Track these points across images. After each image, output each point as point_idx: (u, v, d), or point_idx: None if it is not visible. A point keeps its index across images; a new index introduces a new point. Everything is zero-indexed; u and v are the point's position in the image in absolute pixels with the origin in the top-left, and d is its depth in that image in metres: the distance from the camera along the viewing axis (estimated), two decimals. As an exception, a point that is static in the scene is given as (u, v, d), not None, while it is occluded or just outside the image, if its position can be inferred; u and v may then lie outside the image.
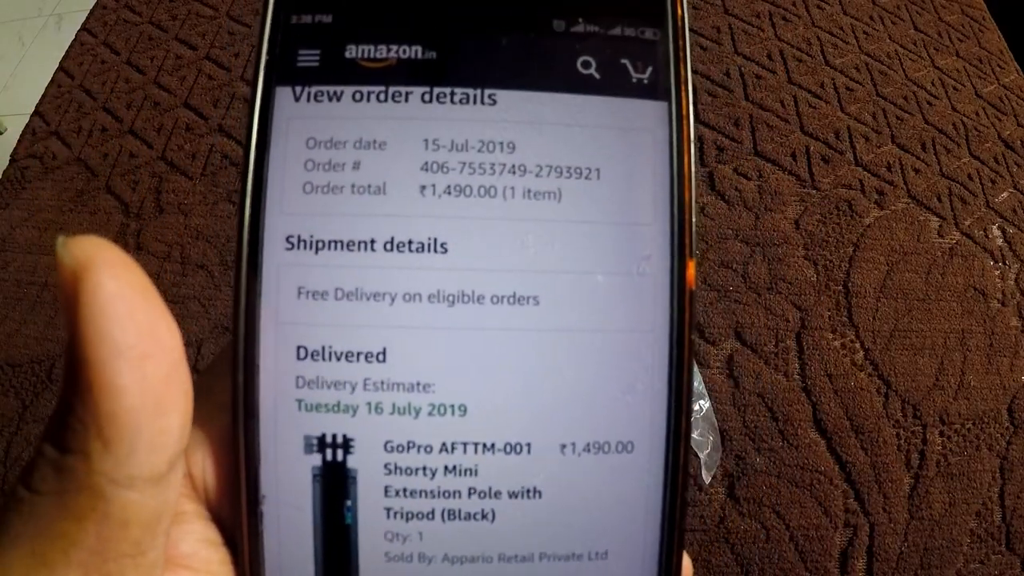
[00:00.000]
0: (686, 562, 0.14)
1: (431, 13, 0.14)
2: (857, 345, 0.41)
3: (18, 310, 0.44)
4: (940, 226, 0.46)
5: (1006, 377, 0.41)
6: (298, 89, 0.13)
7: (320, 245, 0.13)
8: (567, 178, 0.14)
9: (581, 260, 0.13)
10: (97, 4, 0.62)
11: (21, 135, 0.53)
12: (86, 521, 0.11)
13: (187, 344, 0.35)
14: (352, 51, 0.13)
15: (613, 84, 0.14)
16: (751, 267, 0.44)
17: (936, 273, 0.44)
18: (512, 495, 0.14)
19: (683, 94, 0.14)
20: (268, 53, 0.13)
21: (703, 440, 0.32)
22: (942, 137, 0.51)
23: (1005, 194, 0.49)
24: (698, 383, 0.33)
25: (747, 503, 0.37)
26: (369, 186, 0.13)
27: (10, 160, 0.52)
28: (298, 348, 0.13)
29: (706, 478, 0.33)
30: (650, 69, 0.14)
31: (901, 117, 0.52)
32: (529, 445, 0.13)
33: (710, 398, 0.33)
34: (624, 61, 0.14)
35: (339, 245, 0.13)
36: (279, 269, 0.13)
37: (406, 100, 0.13)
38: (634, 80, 0.14)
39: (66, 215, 0.48)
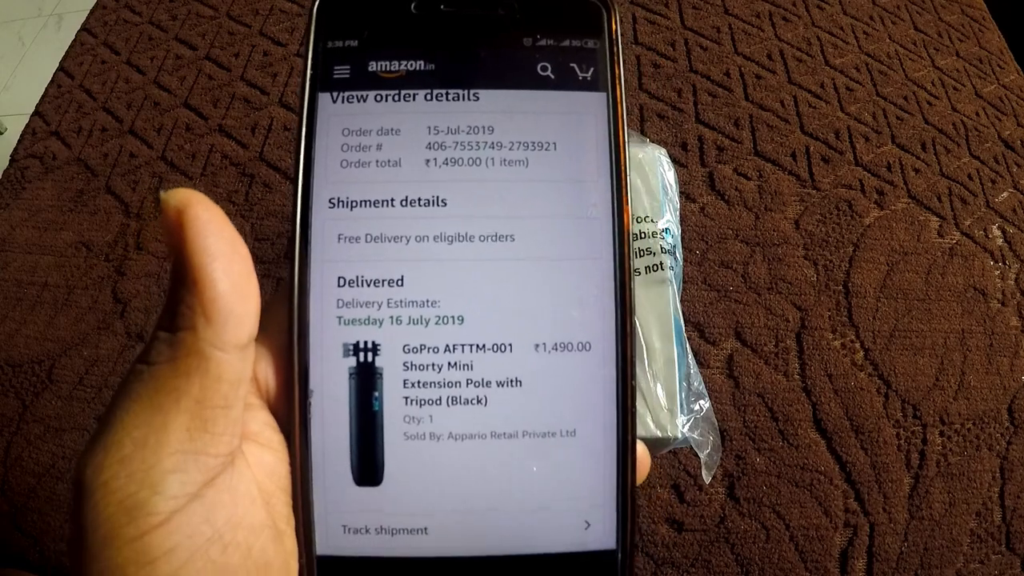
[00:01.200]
0: (641, 448, 0.18)
1: (430, 37, 0.19)
2: (857, 345, 0.41)
3: (18, 310, 0.44)
4: (940, 226, 0.46)
5: (1006, 377, 0.41)
6: (335, 94, 0.18)
7: (354, 204, 0.18)
8: (533, 150, 0.18)
9: (544, 207, 0.18)
10: (97, 4, 0.61)
11: (21, 135, 0.53)
12: (193, 376, 0.15)
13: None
14: (373, 66, 0.18)
15: (565, 81, 0.19)
16: (751, 267, 0.44)
17: (936, 273, 0.44)
18: (500, 384, 0.18)
19: (617, 87, 0.19)
20: (312, 69, 0.18)
21: (703, 440, 0.32)
22: (942, 137, 0.51)
23: (1005, 194, 0.49)
24: (698, 383, 0.33)
25: (747, 503, 0.37)
26: (388, 160, 0.18)
27: (10, 160, 0.52)
28: (338, 278, 0.18)
29: (706, 478, 0.33)
30: (592, 69, 0.19)
31: (901, 117, 0.52)
32: (511, 345, 0.18)
33: (710, 398, 0.33)
34: (572, 64, 0.19)
35: (368, 203, 0.18)
36: (324, 223, 0.18)
37: (414, 99, 0.18)
38: (580, 78, 0.19)
39: (66, 215, 0.48)
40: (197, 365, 0.15)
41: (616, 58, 0.19)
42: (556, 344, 0.18)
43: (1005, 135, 0.52)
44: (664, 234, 0.34)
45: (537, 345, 0.18)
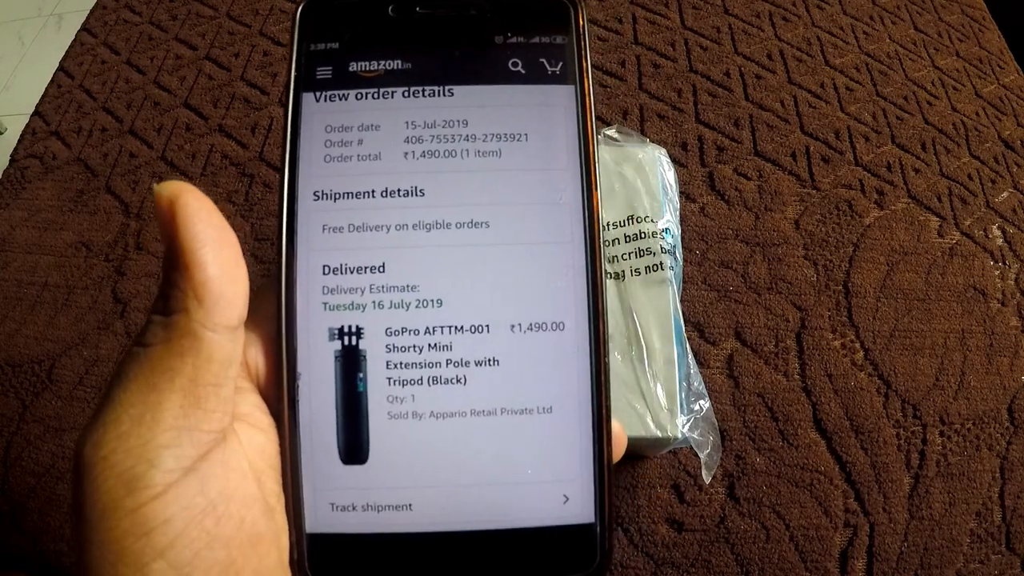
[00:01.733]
0: (617, 426, 0.19)
1: (407, 38, 0.20)
2: (857, 345, 0.41)
3: (18, 310, 0.44)
4: (940, 226, 0.46)
5: (1006, 377, 0.41)
6: (318, 94, 0.19)
7: (337, 196, 0.19)
8: (505, 141, 0.19)
9: (518, 195, 0.19)
10: (97, 4, 0.61)
11: (21, 135, 0.53)
12: (186, 356, 0.16)
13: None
14: (354, 66, 0.19)
15: (535, 76, 0.19)
16: (751, 267, 0.44)
17: (936, 273, 0.44)
18: (478, 364, 0.18)
19: (584, 80, 0.19)
20: (296, 70, 0.19)
21: (703, 440, 0.32)
22: (942, 137, 0.51)
23: (1005, 194, 0.49)
24: (698, 383, 0.33)
25: (747, 503, 0.37)
26: (369, 154, 0.19)
27: (10, 160, 0.52)
28: (323, 267, 0.18)
29: (706, 478, 0.33)
30: (560, 64, 0.20)
31: (901, 117, 0.52)
32: (488, 326, 0.18)
33: (710, 398, 0.33)
34: (542, 60, 0.20)
35: (350, 195, 0.19)
36: (309, 214, 0.19)
37: (392, 97, 0.19)
38: (549, 72, 0.20)
39: (66, 215, 0.48)
40: (190, 345, 0.16)
41: (583, 52, 0.20)
42: (531, 324, 0.18)
43: (1005, 135, 0.52)
44: (664, 234, 0.34)
45: (513, 326, 0.18)
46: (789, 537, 0.36)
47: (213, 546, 0.15)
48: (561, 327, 0.18)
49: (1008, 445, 0.39)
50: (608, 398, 0.18)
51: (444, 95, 0.19)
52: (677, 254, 0.35)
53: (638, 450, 0.35)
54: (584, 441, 0.18)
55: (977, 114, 0.53)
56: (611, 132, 0.39)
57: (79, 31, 0.60)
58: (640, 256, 0.34)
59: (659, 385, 0.31)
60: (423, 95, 0.19)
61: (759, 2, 0.58)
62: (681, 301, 0.34)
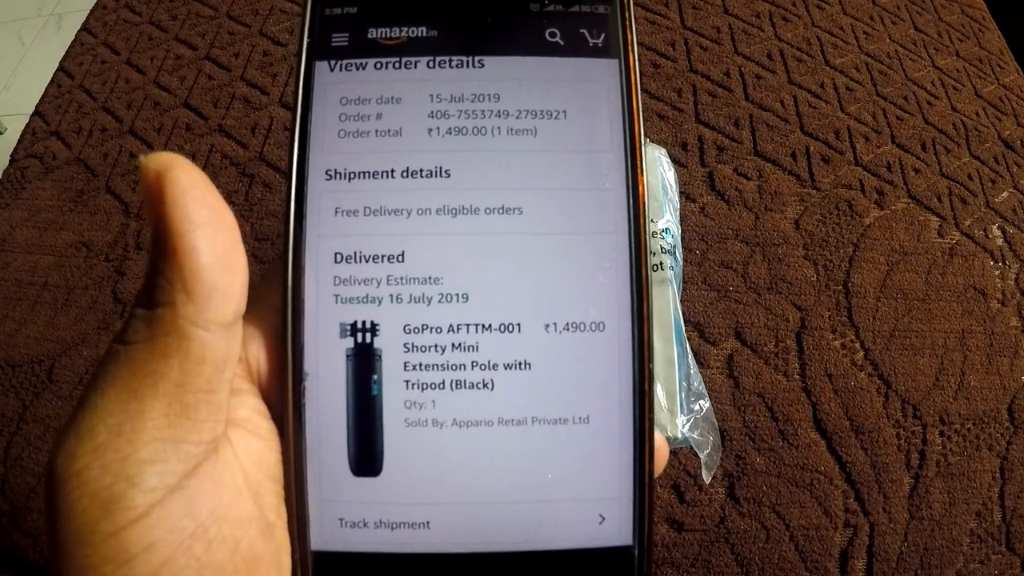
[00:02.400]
0: (659, 437, 0.17)
1: (431, 4, 0.17)
2: (857, 345, 0.41)
3: (18, 310, 0.44)
4: (940, 226, 0.46)
5: (1006, 377, 0.41)
6: (332, 63, 0.17)
7: (352, 175, 0.17)
8: (541, 119, 0.17)
9: (554, 179, 0.17)
10: (97, 4, 0.61)
11: (21, 135, 0.53)
12: (172, 358, 0.14)
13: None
14: (373, 32, 0.17)
15: (575, 48, 0.18)
16: (751, 267, 0.44)
17: (936, 273, 0.44)
18: (507, 367, 0.16)
19: (630, 53, 0.18)
20: (309, 37, 0.17)
21: (703, 440, 0.32)
22: (942, 137, 0.51)
23: (1005, 194, 0.49)
24: (698, 383, 0.33)
25: (747, 503, 0.37)
26: (389, 130, 0.17)
27: (10, 160, 0.52)
28: (335, 254, 0.17)
29: (706, 478, 0.33)
30: (603, 35, 0.18)
31: (901, 117, 0.52)
32: (519, 325, 0.16)
33: (710, 398, 0.33)
34: (583, 30, 0.18)
35: (366, 175, 0.17)
36: (320, 195, 0.17)
37: (415, 67, 0.17)
38: (591, 44, 0.18)
39: (66, 215, 0.48)
40: (177, 345, 0.14)
41: (628, 24, 0.18)
42: (567, 324, 0.17)
43: (1005, 135, 0.52)
44: (664, 234, 0.35)
45: (547, 325, 0.17)
46: (789, 537, 0.36)
47: (204, 574, 0.14)
48: (601, 328, 0.17)
49: (1008, 445, 0.39)
50: (652, 408, 0.16)
51: (473, 66, 0.17)
52: (677, 254, 0.35)
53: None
54: (624, 455, 0.16)
55: (977, 114, 0.53)
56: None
57: (79, 31, 0.60)
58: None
59: (659, 385, 0.31)
60: (450, 66, 0.17)
61: (759, 2, 0.58)
62: (681, 301, 0.34)
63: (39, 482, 0.39)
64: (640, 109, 0.17)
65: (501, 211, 0.17)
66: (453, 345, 0.16)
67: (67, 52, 0.58)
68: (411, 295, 0.16)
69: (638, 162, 0.17)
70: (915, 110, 0.52)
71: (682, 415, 0.32)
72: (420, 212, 0.17)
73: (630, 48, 0.18)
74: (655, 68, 0.53)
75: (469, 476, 0.16)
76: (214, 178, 0.52)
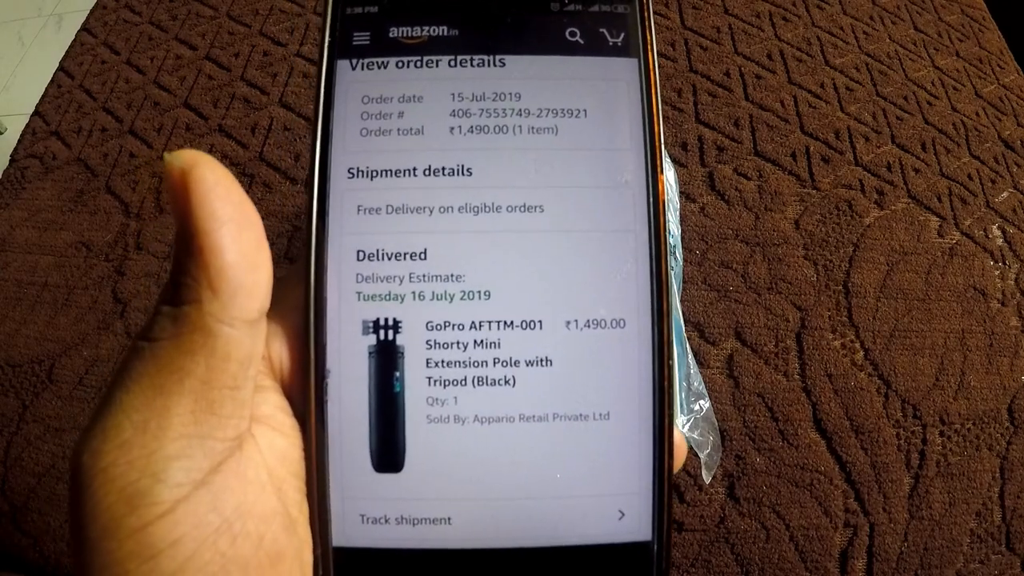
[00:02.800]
0: (678, 435, 0.17)
1: (452, 3, 0.18)
2: (857, 345, 0.41)
3: (18, 310, 0.44)
4: (940, 226, 0.46)
5: (1006, 377, 0.41)
6: (354, 61, 0.17)
7: (374, 174, 0.17)
8: (562, 117, 0.17)
9: (575, 177, 0.17)
10: (97, 4, 0.61)
11: (21, 135, 0.53)
12: (198, 355, 0.14)
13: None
14: (394, 32, 0.18)
15: (595, 47, 0.18)
16: (751, 267, 0.44)
17: (936, 273, 0.44)
18: (529, 364, 0.17)
19: (649, 53, 0.18)
20: (330, 35, 0.17)
21: (703, 440, 0.32)
22: (942, 137, 0.51)
23: (1005, 194, 0.49)
24: (698, 383, 0.33)
25: (747, 503, 0.37)
26: (411, 128, 0.17)
27: (10, 160, 0.52)
28: (357, 252, 0.17)
29: (706, 478, 0.33)
30: (623, 35, 0.18)
31: (901, 117, 0.52)
32: (541, 322, 0.17)
33: (710, 398, 0.33)
34: (602, 30, 0.18)
35: (389, 173, 0.17)
36: (343, 194, 0.17)
37: (437, 66, 0.18)
38: (610, 43, 0.18)
39: (66, 215, 0.48)
40: (203, 342, 0.14)
41: (648, 23, 0.18)
42: (589, 321, 0.17)
43: (1005, 135, 0.52)
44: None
45: (568, 322, 0.17)
46: (789, 537, 0.36)
47: (229, 569, 0.14)
48: (622, 324, 0.17)
49: (1008, 445, 0.39)
50: (672, 404, 0.17)
51: (495, 65, 0.18)
52: (677, 254, 0.35)
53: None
54: (644, 451, 0.17)
55: (977, 114, 0.53)
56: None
57: (79, 31, 0.60)
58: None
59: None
60: (471, 65, 0.17)
61: (759, 2, 0.58)
62: (681, 301, 0.34)
63: (39, 482, 0.39)
64: (660, 107, 0.18)
65: (523, 209, 0.17)
66: (475, 342, 0.17)
67: (67, 52, 0.58)
68: (433, 292, 0.17)
69: (658, 160, 0.17)
70: (915, 110, 0.52)
71: (682, 415, 0.32)
72: (442, 210, 0.17)
73: (649, 47, 0.18)
74: (655, 68, 0.53)
75: (490, 472, 0.16)
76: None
